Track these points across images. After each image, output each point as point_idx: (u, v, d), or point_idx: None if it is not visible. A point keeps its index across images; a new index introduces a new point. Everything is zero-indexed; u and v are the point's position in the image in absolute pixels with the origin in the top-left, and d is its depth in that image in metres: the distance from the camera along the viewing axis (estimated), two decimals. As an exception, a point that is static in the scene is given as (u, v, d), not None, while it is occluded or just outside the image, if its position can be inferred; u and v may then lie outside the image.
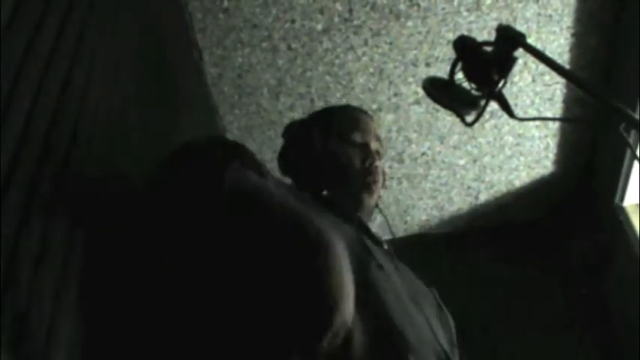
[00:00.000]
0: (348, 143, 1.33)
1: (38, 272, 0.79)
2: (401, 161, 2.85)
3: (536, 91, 2.66)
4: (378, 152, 1.37)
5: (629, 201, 2.75)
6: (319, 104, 2.58)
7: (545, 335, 2.74)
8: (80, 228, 0.92)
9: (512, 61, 1.15)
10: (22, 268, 0.74)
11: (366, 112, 1.49)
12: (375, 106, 2.61)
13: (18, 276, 0.73)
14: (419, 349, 0.99)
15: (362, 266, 1.05)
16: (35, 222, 0.78)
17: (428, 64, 2.52)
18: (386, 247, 1.29)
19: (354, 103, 2.28)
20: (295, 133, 1.42)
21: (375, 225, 1.40)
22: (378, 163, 1.35)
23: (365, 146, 1.34)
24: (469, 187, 3.05)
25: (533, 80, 2.61)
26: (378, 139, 1.40)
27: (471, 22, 2.41)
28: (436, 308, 1.23)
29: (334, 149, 1.33)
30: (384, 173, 1.38)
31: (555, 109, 2.73)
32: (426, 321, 1.09)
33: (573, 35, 2.49)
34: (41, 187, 0.80)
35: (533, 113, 2.73)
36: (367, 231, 1.27)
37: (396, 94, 2.60)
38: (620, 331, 2.77)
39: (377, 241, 1.27)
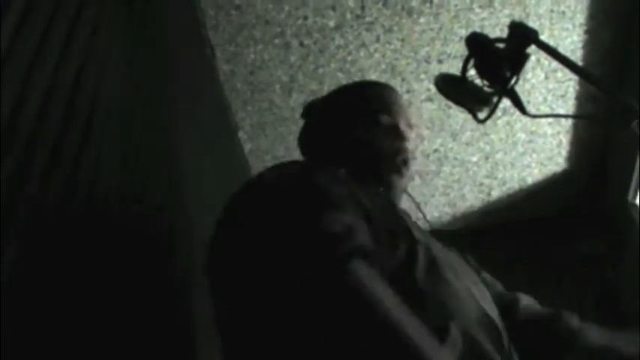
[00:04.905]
0: (376, 126, 1.31)
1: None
2: (413, 158, 2.85)
3: (548, 88, 2.65)
4: (406, 131, 1.34)
5: (641, 198, 2.74)
6: (331, 101, 2.58)
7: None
8: (89, 229, 0.93)
9: (525, 57, 1.15)
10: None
11: (392, 88, 1.43)
12: (386, 103, 2.61)
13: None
14: (460, 317, 0.95)
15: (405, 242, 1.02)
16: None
17: (440, 61, 2.51)
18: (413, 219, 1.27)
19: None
20: (319, 115, 1.38)
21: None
22: (407, 144, 1.33)
23: (394, 128, 1.32)
24: (481, 184, 3.05)
25: (546, 77, 2.60)
26: (406, 115, 1.36)
27: (483, 19, 2.40)
28: (474, 275, 1.20)
29: (362, 134, 1.29)
30: (413, 153, 1.36)
31: (568, 106, 2.72)
32: (467, 288, 1.05)
33: (586, 32, 2.48)
34: (52, 188, 0.80)
35: (545, 110, 2.72)
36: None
37: (408, 91, 2.60)
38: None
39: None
